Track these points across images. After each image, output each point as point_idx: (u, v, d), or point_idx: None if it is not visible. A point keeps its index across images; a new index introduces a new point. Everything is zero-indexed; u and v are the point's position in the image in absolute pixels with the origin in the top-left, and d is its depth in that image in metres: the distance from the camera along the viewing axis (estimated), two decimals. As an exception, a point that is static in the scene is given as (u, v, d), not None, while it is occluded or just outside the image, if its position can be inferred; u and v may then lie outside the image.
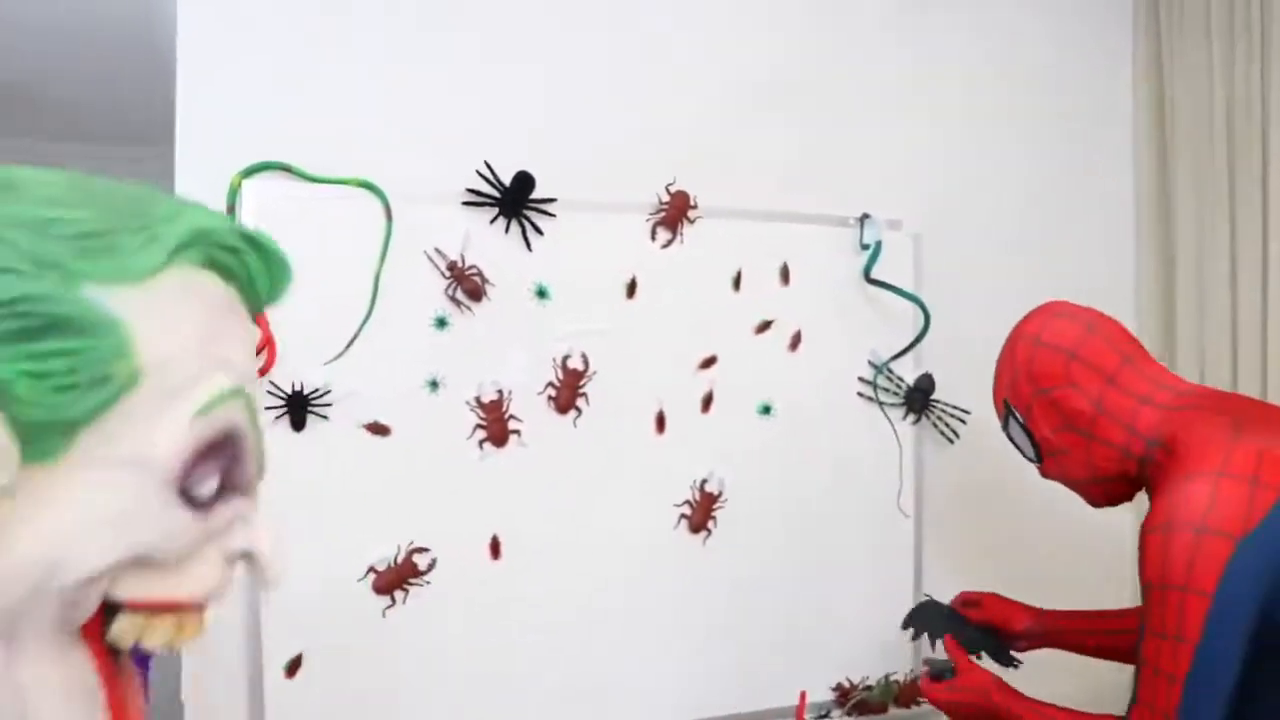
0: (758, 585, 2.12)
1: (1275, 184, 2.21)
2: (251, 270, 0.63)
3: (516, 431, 1.94)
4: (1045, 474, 1.64)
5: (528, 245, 1.95)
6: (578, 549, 1.99)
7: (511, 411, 1.94)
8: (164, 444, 0.57)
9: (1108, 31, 2.54)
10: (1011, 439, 1.64)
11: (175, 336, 0.57)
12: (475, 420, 1.91)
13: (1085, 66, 2.51)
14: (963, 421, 2.26)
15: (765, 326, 2.13)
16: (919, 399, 2.22)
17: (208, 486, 0.60)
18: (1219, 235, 2.31)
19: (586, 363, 1.99)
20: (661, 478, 2.05)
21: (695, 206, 2.06)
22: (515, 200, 1.93)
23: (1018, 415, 1.60)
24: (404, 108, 1.90)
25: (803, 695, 2.14)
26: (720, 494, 2.09)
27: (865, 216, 2.18)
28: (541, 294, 1.96)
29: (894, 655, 2.22)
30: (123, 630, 0.60)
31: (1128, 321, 2.46)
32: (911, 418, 2.23)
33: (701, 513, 2.07)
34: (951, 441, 2.27)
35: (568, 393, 1.97)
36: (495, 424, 1.92)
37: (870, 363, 2.20)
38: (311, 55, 1.85)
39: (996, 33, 2.40)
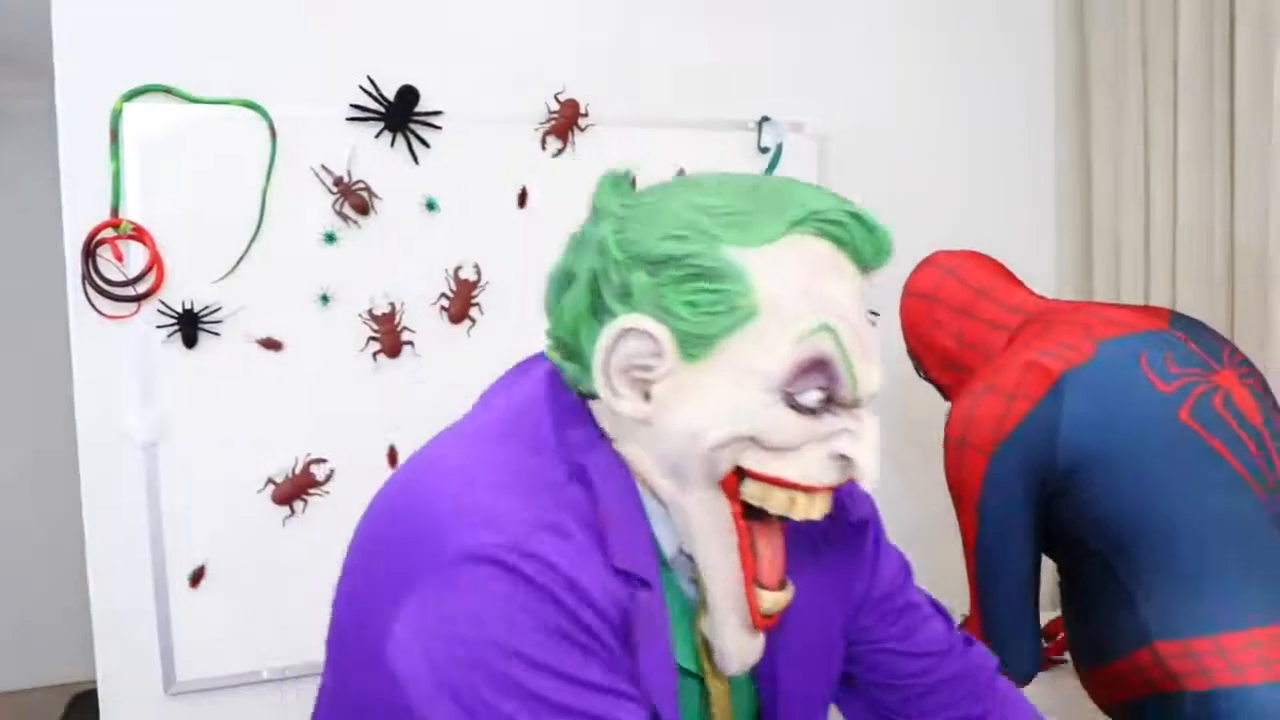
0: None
1: (1185, 74, 2.17)
2: (856, 238, 0.82)
3: (410, 343, 1.98)
4: None
5: (415, 159, 1.97)
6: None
7: (404, 323, 1.98)
8: (771, 360, 0.78)
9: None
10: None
11: (785, 284, 0.79)
12: (368, 332, 1.95)
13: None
14: (871, 324, 2.26)
15: (664, 233, 2.14)
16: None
17: (809, 397, 0.80)
18: (1132, 128, 2.28)
19: (479, 273, 2.02)
20: (561, 385, 2.09)
21: (586, 114, 2.07)
22: (401, 114, 1.95)
23: (917, 364, 1.73)
24: (285, 25, 1.92)
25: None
26: (622, 400, 2.12)
27: (765, 119, 2.18)
28: (431, 206, 1.98)
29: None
30: (749, 492, 0.83)
31: (1047, 220, 2.45)
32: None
33: (603, 418, 2.11)
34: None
35: (461, 303, 2.01)
36: (388, 336, 1.96)
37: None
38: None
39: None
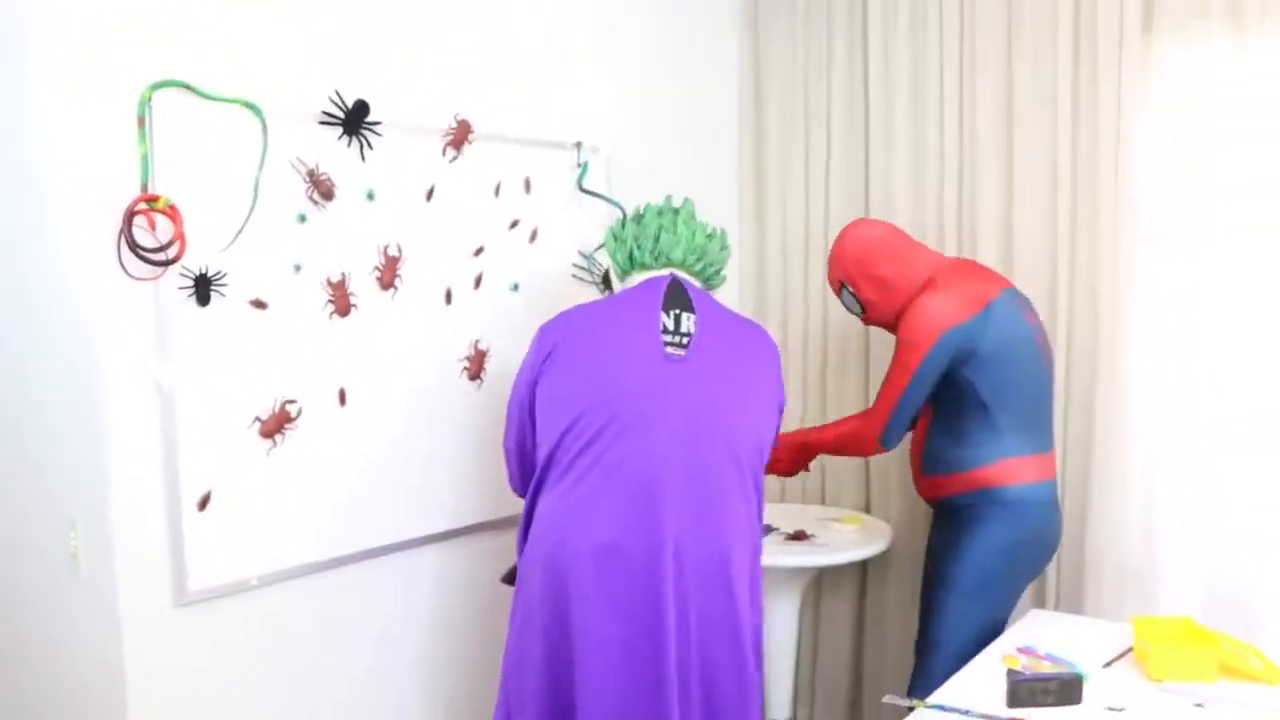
0: (509, 418, 2.84)
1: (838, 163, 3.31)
2: None
3: (355, 305, 2.47)
4: (866, 323, 2.76)
5: (363, 157, 2.45)
6: (394, 391, 2.57)
7: (351, 289, 2.46)
8: None
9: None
10: (843, 303, 2.77)
11: None
12: (326, 296, 2.41)
13: (696, 41, 3.43)
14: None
15: (515, 224, 2.81)
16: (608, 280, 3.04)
17: None
18: (796, 149, 3.38)
19: (400, 251, 2.55)
20: (449, 337, 2.68)
21: (474, 132, 2.67)
22: (355, 122, 2.42)
23: (845, 287, 2.71)
24: (276, 41, 2.30)
25: (538, 496, 2.91)
26: (488, 351, 2.76)
27: (579, 143, 2.92)
28: (370, 196, 2.48)
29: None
30: None
31: (731, 179, 3.47)
32: (607, 291, 3.05)
33: (476, 365, 2.74)
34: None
35: (389, 274, 2.53)
36: (340, 299, 2.44)
37: (579, 252, 2.98)
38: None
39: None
